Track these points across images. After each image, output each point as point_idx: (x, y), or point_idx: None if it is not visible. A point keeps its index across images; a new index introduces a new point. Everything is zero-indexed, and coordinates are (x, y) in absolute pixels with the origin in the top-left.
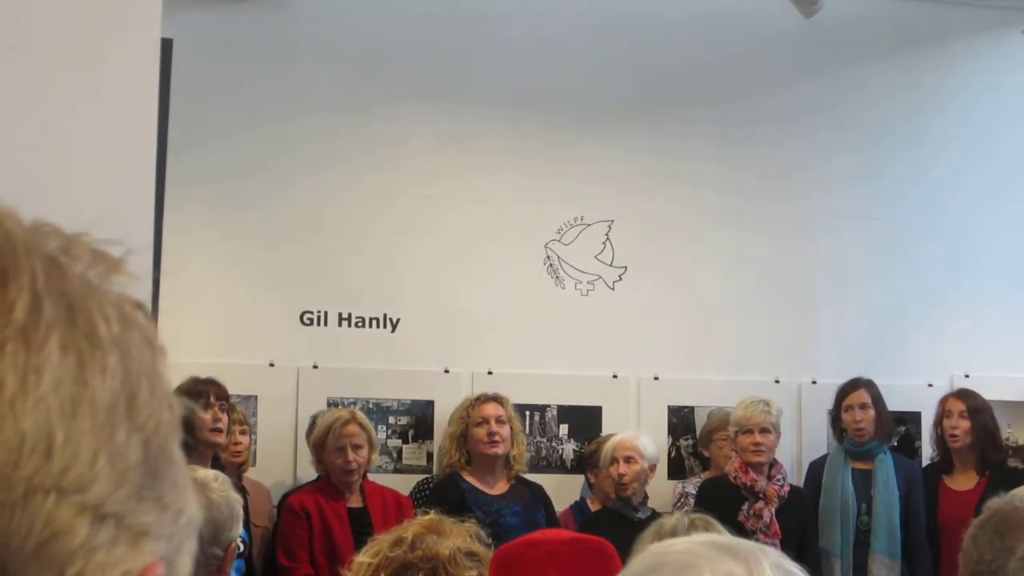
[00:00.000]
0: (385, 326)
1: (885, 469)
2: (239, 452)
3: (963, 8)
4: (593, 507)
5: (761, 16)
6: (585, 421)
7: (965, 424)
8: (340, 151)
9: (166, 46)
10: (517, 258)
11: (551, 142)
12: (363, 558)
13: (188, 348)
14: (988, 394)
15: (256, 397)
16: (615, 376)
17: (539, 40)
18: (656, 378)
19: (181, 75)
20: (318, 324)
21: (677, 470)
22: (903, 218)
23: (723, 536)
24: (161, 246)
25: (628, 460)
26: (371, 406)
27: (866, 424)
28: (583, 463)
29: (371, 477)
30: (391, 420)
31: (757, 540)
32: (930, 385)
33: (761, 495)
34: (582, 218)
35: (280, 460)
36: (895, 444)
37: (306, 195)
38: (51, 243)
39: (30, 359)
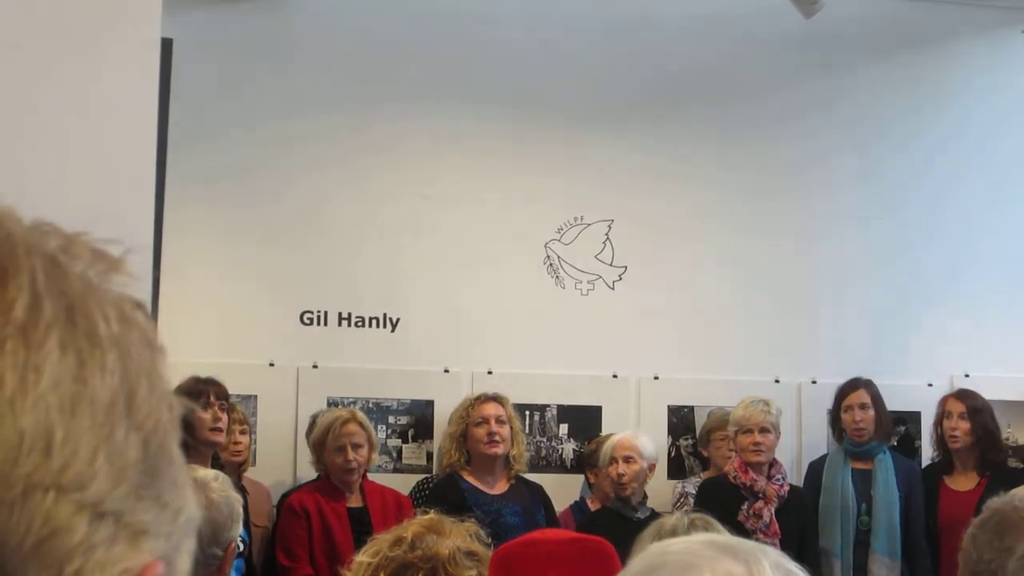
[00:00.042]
0: (385, 326)
1: (885, 469)
2: (239, 452)
3: (963, 8)
4: (593, 507)
5: (761, 16)
6: (585, 421)
7: (965, 425)
8: (340, 151)
9: (166, 46)
10: (517, 258)
11: (551, 142)
12: (363, 558)
13: (188, 348)
14: (988, 394)
15: (256, 397)
16: (615, 376)
17: (539, 40)
18: (656, 378)
19: (181, 75)
20: (318, 324)
21: (677, 470)
22: (903, 218)
23: (723, 536)
24: (161, 246)
25: (627, 460)
26: (371, 406)
27: (866, 424)
28: (583, 463)
29: (371, 477)
30: (391, 420)
31: (757, 540)
32: (930, 385)
33: (761, 495)
34: (582, 218)
35: (280, 460)
36: (895, 444)
37: (306, 195)
38: (51, 242)
39: (30, 357)
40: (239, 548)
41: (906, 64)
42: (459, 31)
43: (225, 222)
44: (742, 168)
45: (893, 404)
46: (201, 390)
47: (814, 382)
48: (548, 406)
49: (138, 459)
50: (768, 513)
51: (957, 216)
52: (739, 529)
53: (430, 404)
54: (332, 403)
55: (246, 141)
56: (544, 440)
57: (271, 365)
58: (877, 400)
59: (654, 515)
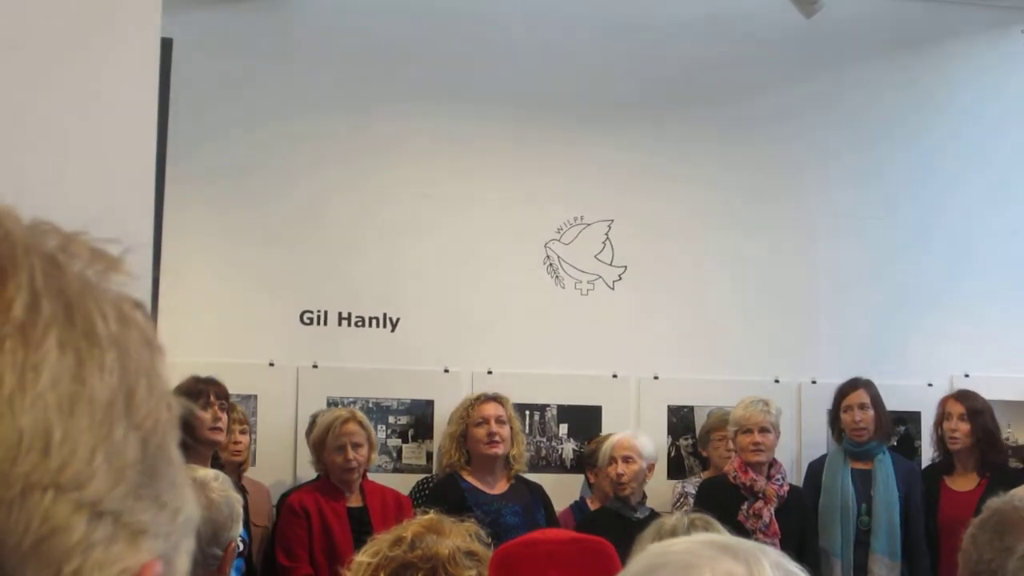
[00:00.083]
0: (385, 326)
1: (884, 469)
2: (239, 451)
3: (963, 8)
4: (593, 507)
5: (761, 16)
6: (585, 421)
7: (965, 427)
8: (340, 150)
9: (166, 46)
10: (517, 258)
11: (551, 142)
12: (363, 558)
13: (188, 347)
14: (988, 394)
15: (256, 396)
16: (615, 376)
17: (539, 40)
18: (656, 378)
19: (181, 75)
20: (318, 324)
21: (677, 470)
22: (903, 218)
23: (723, 536)
24: (161, 245)
25: (626, 460)
26: (371, 406)
27: (865, 424)
28: (583, 463)
29: (371, 477)
30: (391, 420)
31: (756, 540)
32: (930, 385)
33: (760, 495)
34: (582, 218)
35: (280, 460)
36: (895, 444)
37: (306, 195)
38: (50, 242)
39: (28, 357)
40: (239, 548)
41: (906, 64)
42: (459, 31)
43: (225, 221)
44: (742, 168)
45: (893, 404)
46: (201, 390)
47: (814, 382)
48: (548, 406)
49: (137, 459)
50: (768, 513)
51: (957, 216)
52: (739, 529)
53: (430, 404)
54: (332, 403)
55: (246, 141)
56: (544, 440)
57: (271, 365)
58: (876, 400)
59: (653, 515)
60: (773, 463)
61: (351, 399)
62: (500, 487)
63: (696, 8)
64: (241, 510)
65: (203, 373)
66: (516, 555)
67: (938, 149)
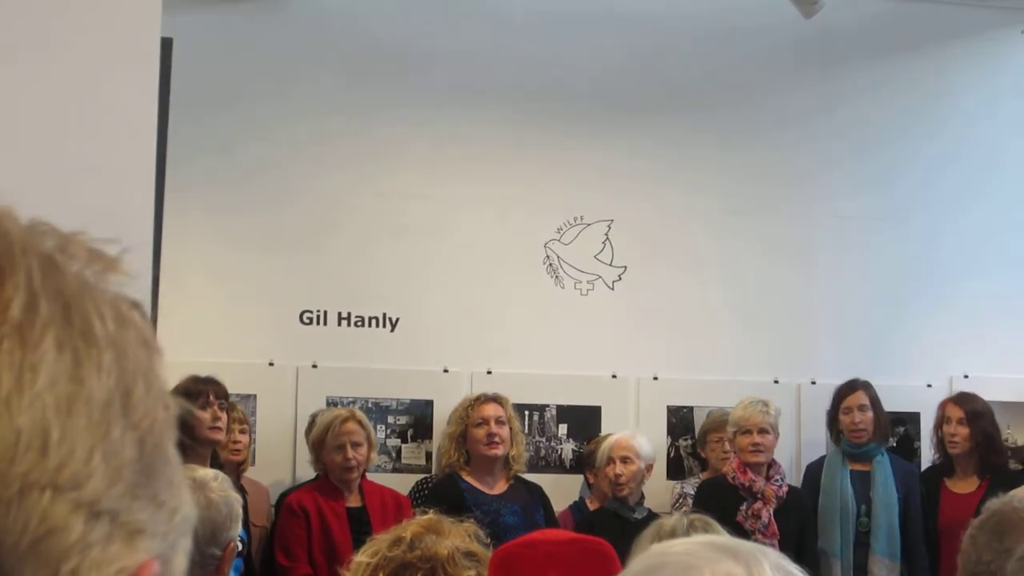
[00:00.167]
0: (384, 326)
1: (883, 471)
2: (238, 451)
3: (963, 8)
4: (592, 507)
5: (761, 17)
6: (584, 421)
7: (964, 431)
8: (340, 151)
9: (166, 46)
10: (517, 258)
11: (551, 142)
12: (362, 558)
13: (188, 347)
14: (987, 395)
15: (255, 396)
16: (614, 376)
17: (540, 41)
18: (655, 378)
19: (181, 75)
20: (318, 323)
21: (676, 470)
22: (903, 219)
23: (723, 537)
24: (161, 245)
25: (624, 460)
26: (370, 405)
27: (864, 426)
28: (582, 463)
29: (370, 477)
30: (390, 420)
31: (755, 541)
32: (929, 385)
33: (759, 495)
34: (582, 218)
35: (279, 459)
36: (894, 445)
37: (306, 195)
38: (47, 242)
39: (26, 357)
40: (238, 548)
41: (906, 65)
42: (460, 32)
43: (225, 221)
44: (742, 168)
45: (892, 405)
46: (200, 389)
47: (813, 383)
48: (547, 406)
49: (134, 458)
50: (767, 514)
51: (956, 216)
52: (738, 530)
53: (429, 404)
54: (332, 403)
55: (246, 141)
56: (543, 440)
57: (271, 365)
58: (875, 402)
59: (651, 515)
60: (772, 464)
61: (351, 399)
62: (499, 487)
63: (696, 9)
64: (240, 510)
65: (203, 372)
66: (515, 555)
67: (938, 149)
